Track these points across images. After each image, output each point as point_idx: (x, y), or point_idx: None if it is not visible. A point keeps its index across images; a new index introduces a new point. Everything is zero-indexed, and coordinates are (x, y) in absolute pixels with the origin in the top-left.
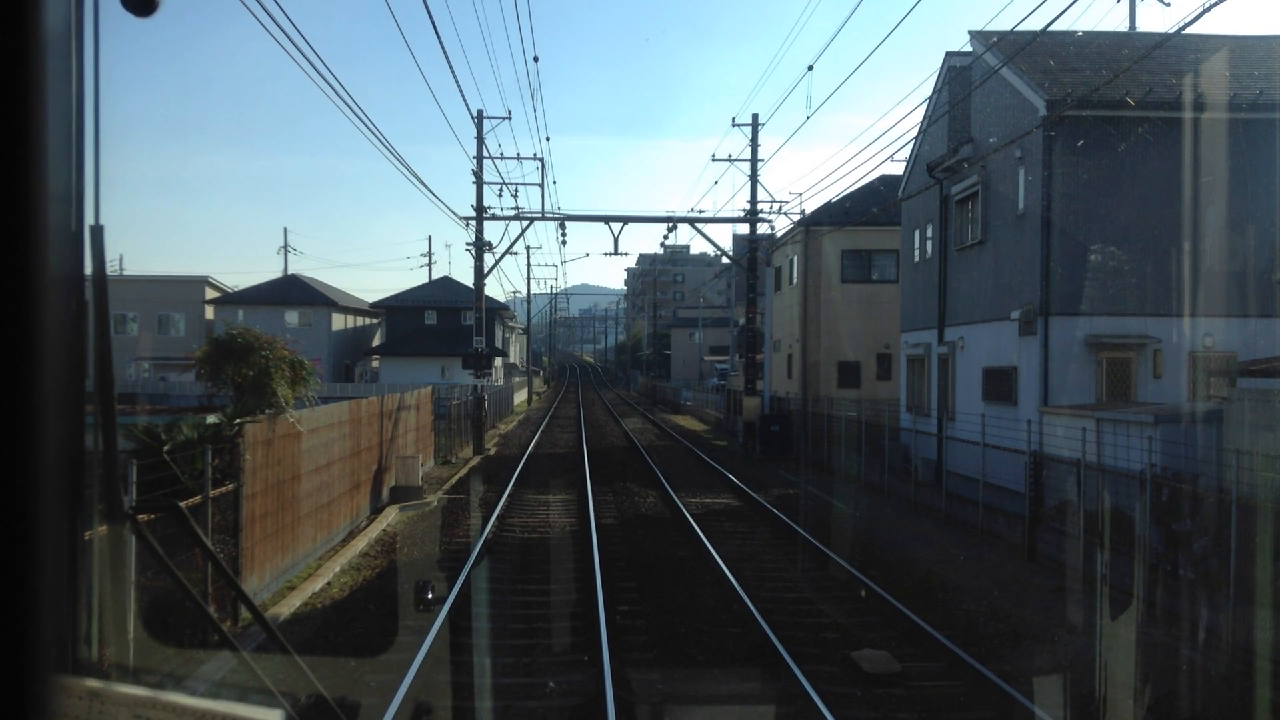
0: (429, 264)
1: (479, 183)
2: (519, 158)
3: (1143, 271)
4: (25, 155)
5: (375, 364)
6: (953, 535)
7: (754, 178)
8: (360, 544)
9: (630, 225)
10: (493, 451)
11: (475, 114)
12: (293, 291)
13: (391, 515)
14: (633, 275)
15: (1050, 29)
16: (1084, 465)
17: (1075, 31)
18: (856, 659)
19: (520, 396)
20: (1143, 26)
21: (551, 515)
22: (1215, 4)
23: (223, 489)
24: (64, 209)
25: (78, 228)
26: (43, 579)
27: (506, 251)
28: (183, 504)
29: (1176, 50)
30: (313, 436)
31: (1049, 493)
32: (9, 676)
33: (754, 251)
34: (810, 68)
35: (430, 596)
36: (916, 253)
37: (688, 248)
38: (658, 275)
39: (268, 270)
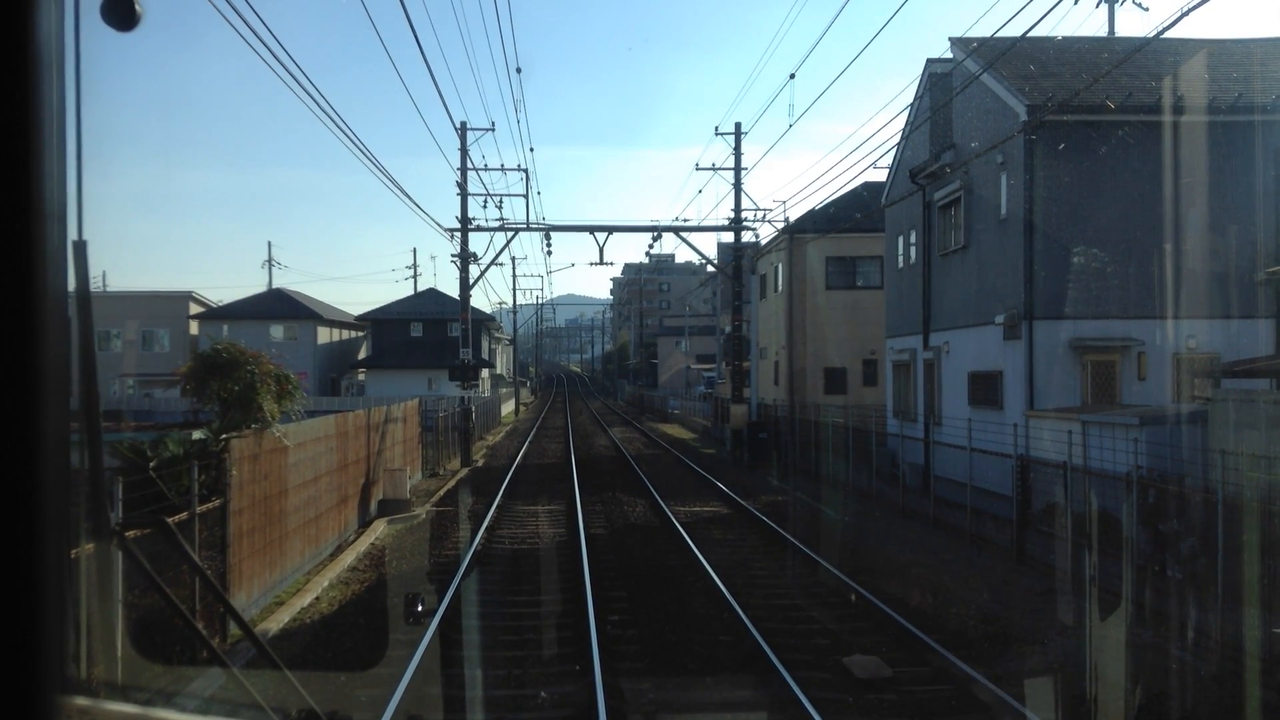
0: (414, 276)
1: (463, 194)
2: (503, 169)
3: (1126, 274)
4: (12, 171)
5: (361, 377)
6: (941, 539)
7: (738, 186)
8: (349, 558)
9: (615, 235)
10: (480, 463)
11: (459, 125)
12: (278, 305)
13: (380, 528)
14: (618, 285)
15: (1030, 35)
16: (1070, 468)
17: (1055, 37)
18: (848, 664)
19: (507, 407)
20: (1121, 31)
21: (540, 526)
22: (1193, 8)
23: (209, 505)
24: (48, 224)
25: (61, 243)
26: (35, 597)
27: (492, 263)
28: (170, 520)
29: (1155, 54)
30: (299, 451)
31: (1036, 496)
32: (3, 696)
33: (739, 259)
34: (792, 76)
35: (420, 609)
36: (900, 258)
37: (673, 256)
38: (643, 284)
39: (252, 285)
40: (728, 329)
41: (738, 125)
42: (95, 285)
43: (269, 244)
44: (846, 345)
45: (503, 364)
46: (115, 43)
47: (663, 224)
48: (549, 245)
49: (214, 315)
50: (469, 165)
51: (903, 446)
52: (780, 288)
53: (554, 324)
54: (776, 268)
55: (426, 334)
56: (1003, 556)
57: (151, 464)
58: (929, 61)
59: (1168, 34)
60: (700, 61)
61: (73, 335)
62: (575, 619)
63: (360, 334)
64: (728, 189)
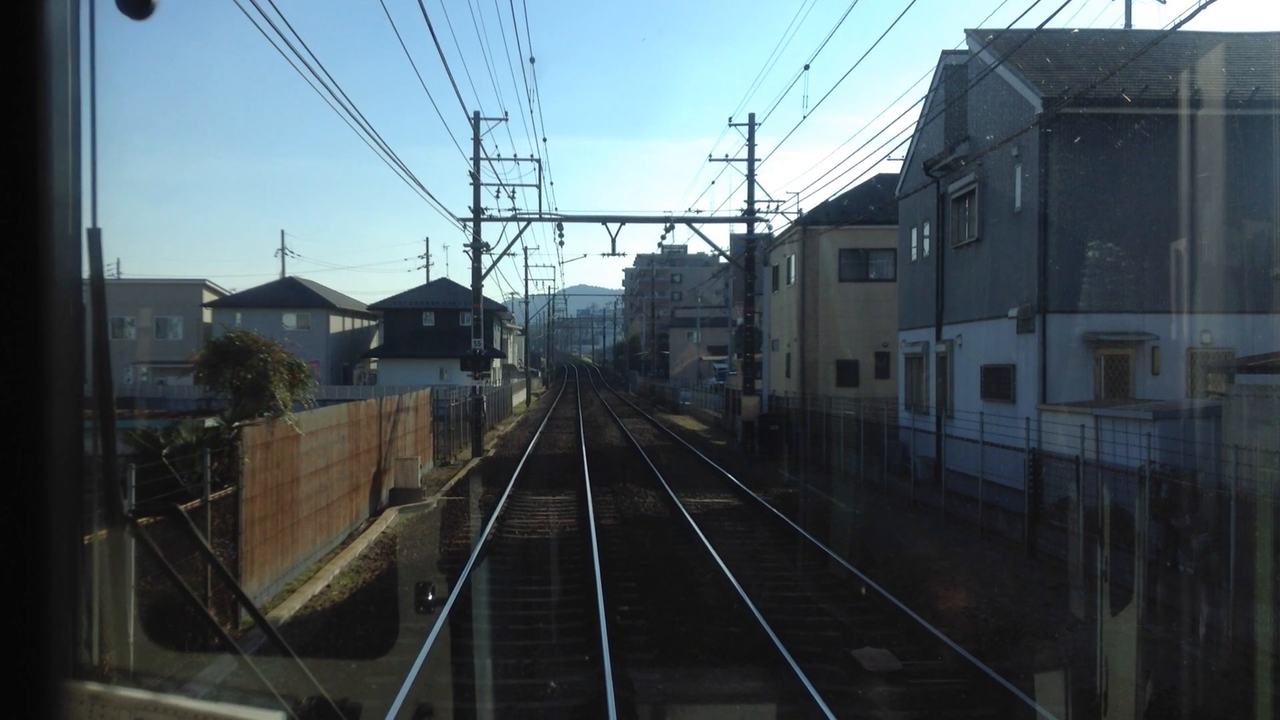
0: (427, 266)
1: (476, 184)
2: (516, 159)
3: (1140, 268)
4: (26, 159)
5: (373, 366)
6: (952, 533)
7: (751, 177)
8: (360, 546)
9: (627, 226)
10: (491, 453)
11: (472, 115)
12: (291, 294)
13: (391, 517)
14: (630, 276)
15: (1046, 27)
16: (1083, 462)
17: (1071, 29)
18: (857, 657)
19: (519, 398)
20: (1139, 24)
21: (551, 516)
22: (1210, 0)
23: (222, 492)
24: (62, 212)
25: (75, 231)
26: (47, 584)
27: (504, 253)
28: (182, 507)
29: (1172, 47)
30: (311, 439)
31: (1048, 490)
32: (16, 682)
33: (752, 251)
34: (806, 67)
35: (430, 598)
36: (914, 251)
37: (685, 248)
38: (655, 275)
39: (265, 273)
40: (740, 321)
41: (751, 116)
42: (109, 273)
43: (282, 232)
44: (859, 338)
45: (514, 354)
46: (130, 30)
47: (675, 215)
48: (561, 236)
49: (227, 303)
50: (482, 155)
51: (914, 439)
52: (793, 279)
53: (566, 315)
54: (789, 260)
55: (438, 324)
56: (1014, 550)
57: (164, 451)
58: (944, 53)
59: (1185, 27)
60: (713, 52)
61: (87, 322)
62: (585, 609)
63: (372, 323)
64: (740, 180)
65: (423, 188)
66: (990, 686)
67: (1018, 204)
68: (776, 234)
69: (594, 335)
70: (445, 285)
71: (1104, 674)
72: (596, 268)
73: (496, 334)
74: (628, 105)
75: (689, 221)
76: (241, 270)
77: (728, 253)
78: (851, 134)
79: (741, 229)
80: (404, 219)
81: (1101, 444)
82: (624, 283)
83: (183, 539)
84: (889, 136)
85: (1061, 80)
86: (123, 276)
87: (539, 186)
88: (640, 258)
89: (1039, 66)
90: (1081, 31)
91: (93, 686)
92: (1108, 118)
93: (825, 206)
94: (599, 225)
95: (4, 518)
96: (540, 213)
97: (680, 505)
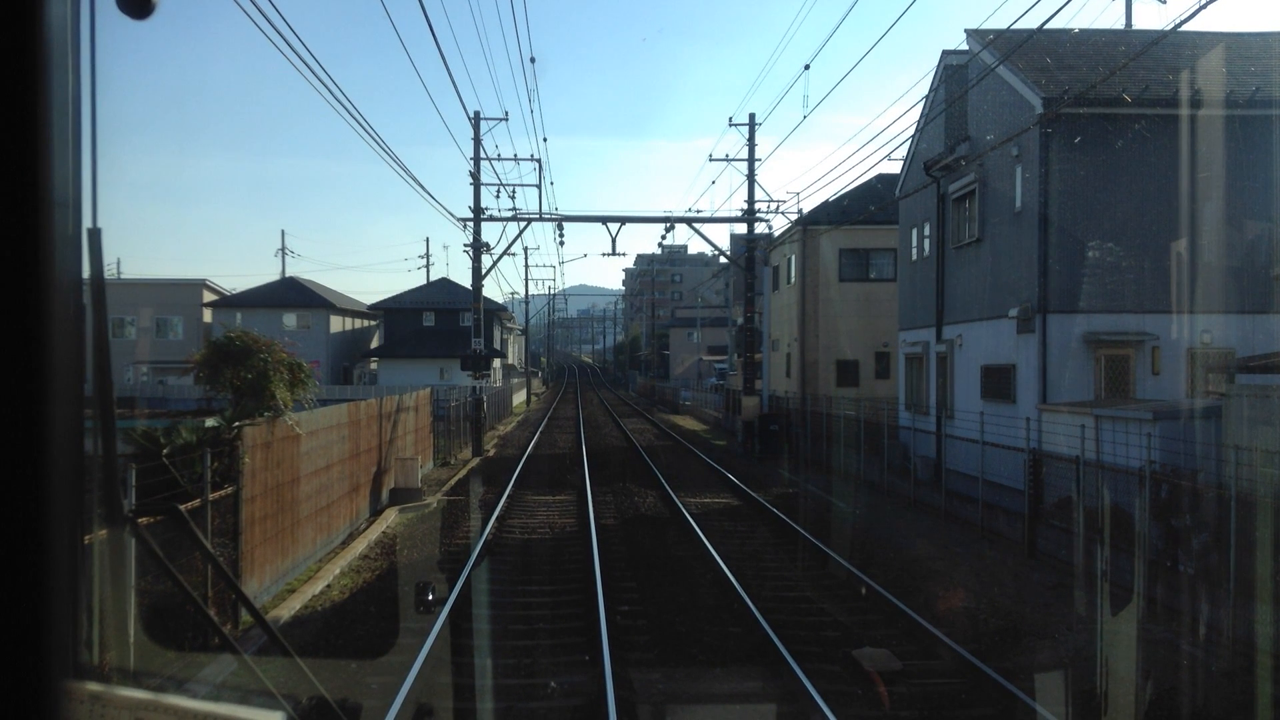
0: (427, 266)
1: (476, 184)
2: (516, 159)
3: (1140, 268)
4: (26, 159)
5: (374, 366)
6: (952, 533)
7: (751, 177)
8: (360, 546)
9: (627, 226)
10: (492, 453)
11: (472, 115)
12: (291, 294)
13: (391, 517)
14: (630, 275)
15: (1046, 27)
16: (1083, 462)
17: (1071, 29)
18: (857, 657)
19: (519, 398)
20: (1139, 24)
21: (551, 516)
22: (1210, 0)
23: (222, 492)
24: (62, 212)
25: (75, 231)
26: (47, 584)
27: (504, 253)
28: (182, 507)
29: (1173, 47)
30: (312, 439)
31: (1049, 490)
32: (16, 682)
33: (752, 251)
34: (807, 67)
35: (430, 598)
36: (914, 251)
37: (685, 248)
38: (655, 275)
39: (266, 273)
40: (740, 320)
41: (751, 116)
42: (109, 273)
43: (282, 232)
44: (859, 338)
45: (514, 354)
46: (130, 30)
47: (675, 215)
48: (561, 236)
49: (227, 303)
50: (482, 155)
51: (914, 439)
52: (793, 279)
53: (566, 314)
54: (789, 260)
55: (439, 323)
56: (1014, 550)
57: (165, 451)
58: (945, 53)
59: (1185, 27)
60: (713, 52)
61: (87, 323)
62: (585, 609)
63: (373, 323)
64: (741, 180)
65: (423, 188)
66: (990, 686)
67: (1018, 204)
68: (777, 234)
69: (594, 335)
70: (445, 285)
71: (1104, 674)
72: (596, 268)
73: (496, 334)
74: (628, 105)
75: (689, 221)
76: (241, 270)
77: (728, 253)
78: (852, 134)
79: (741, 229)
80: (404, 219)
81: (1102, 444)
82: (624, 283)
83: (183, 539)
84: (889, 136)
85: (1062, 80)
86: (123, 276)
87: (539, 186)
88: (640, 258)
89: (1039, 66)
90: (1082, 31)
91: (93, 686)
92: (1108, 118)
93: (825, 206)
94: (599, 225)
95: (4, 518)
96: (540, 213)
97: (680, 505)
